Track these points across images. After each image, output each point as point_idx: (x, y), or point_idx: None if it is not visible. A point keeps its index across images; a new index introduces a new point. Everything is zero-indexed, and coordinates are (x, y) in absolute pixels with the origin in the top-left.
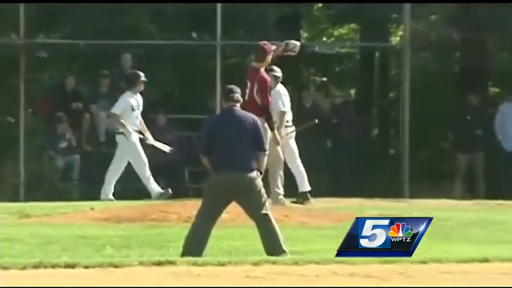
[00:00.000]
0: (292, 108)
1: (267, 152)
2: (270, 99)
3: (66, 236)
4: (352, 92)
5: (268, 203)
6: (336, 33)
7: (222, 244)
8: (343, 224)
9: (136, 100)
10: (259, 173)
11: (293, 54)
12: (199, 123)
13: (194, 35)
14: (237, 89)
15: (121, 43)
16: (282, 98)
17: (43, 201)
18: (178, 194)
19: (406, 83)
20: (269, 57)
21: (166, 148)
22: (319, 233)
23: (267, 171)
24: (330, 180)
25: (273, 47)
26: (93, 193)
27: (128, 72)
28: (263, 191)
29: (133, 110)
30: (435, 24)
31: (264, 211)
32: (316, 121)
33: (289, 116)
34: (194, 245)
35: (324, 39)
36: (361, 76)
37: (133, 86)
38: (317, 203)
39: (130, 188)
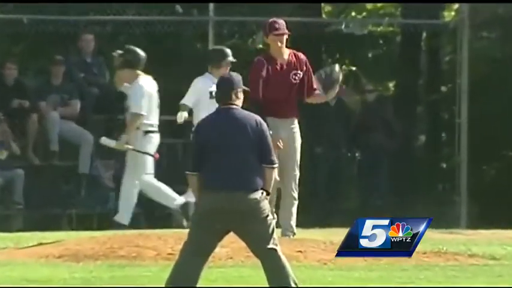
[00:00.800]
0: (311, 107)
1: (275, 165)
2: (257, 92)
3: (6, 279)
4: (391, 85)
5: (276, 234)
6: (368, 6)
7: None
8: (380, 263)
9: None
10: (265, 194)
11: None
12: (186, 128)
13: (178, 8)
14: (235, 80)
15: (80, 19)
16: (140, 95)
17: None
18: (157, 221)
19: (464, 73)
20: (273, 40)
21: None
22: (347, 275)
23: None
24: (361, 203)
25: (281, 30)
26: (42, 220)
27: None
28: (271, 217)
29: (211, 97)
30: None
31: (271, 245)
32: (156, 156)
33: (153, 119)
34: None
35: (353, 14)
36: (403, 64)
37: (216, 67)
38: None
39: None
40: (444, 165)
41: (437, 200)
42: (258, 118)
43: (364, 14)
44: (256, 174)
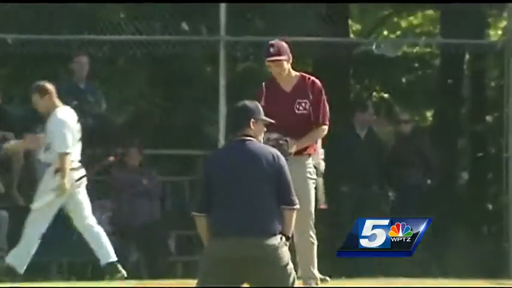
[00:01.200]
0: (339, 138)
1: (296, 206)
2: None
3: None
4: (429, 114)
5: (297, 284)
6: (403, 23)
7: None
8: None
9: None
10: (284, 239)
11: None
12: (194, 163)
13: (185, 26)
14: (250, 109)
15: (72, 38)
16: (63, 130)
17: None
18: (161, 270)
19: None
20: (268, 65)
21: None
22: None
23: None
24: None
25: (273, 56)
26: (28, 269)
27: None
28: (291, 266)
29: None
30: None
31: None
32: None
33: (75, 155)
34: None
35: (385, 33)
36: (442, 90)
37: None
38: (377, 283)
39: None
40: (490, 206)
41: (482, 245)
42: (276, 152)
43: (398, 33)
44: (274, 216)
